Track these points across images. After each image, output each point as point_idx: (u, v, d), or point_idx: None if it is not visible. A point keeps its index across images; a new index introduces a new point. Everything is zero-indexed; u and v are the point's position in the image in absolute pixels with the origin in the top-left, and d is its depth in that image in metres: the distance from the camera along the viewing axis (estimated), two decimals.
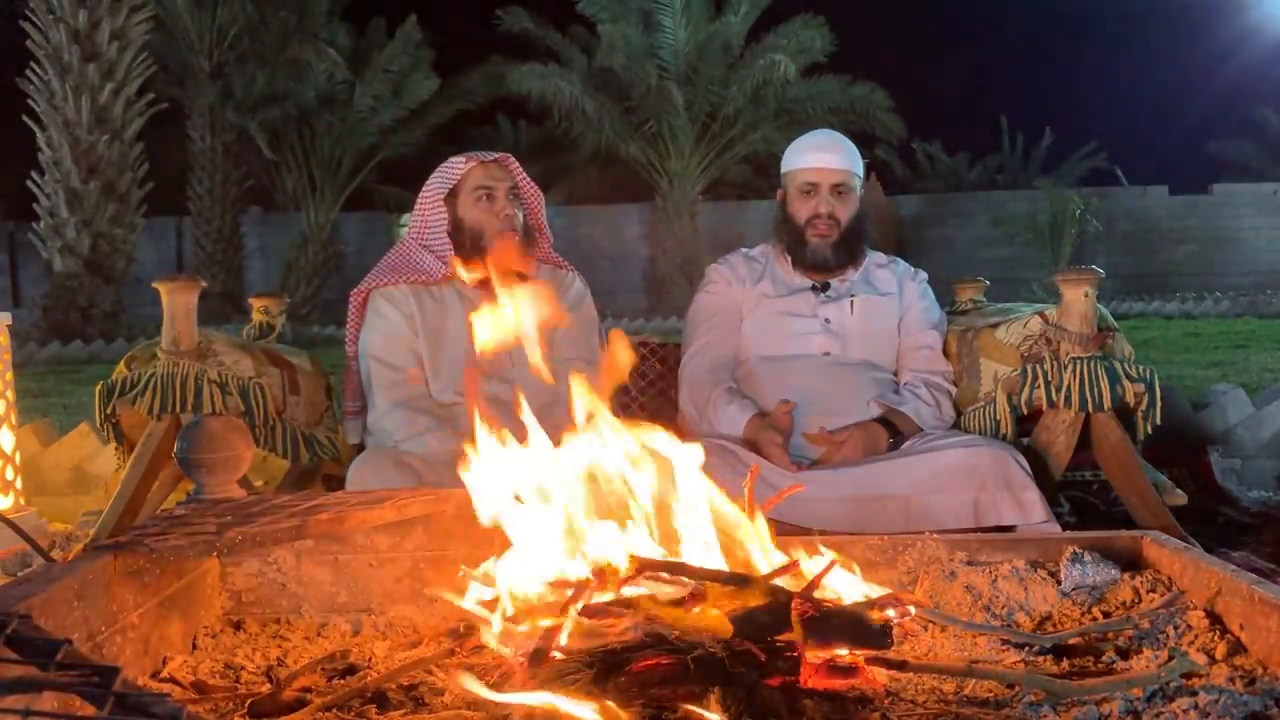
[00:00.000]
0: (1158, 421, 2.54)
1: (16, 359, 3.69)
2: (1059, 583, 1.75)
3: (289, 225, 16.80)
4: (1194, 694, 1.28)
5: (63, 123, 11.75)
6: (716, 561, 1.50)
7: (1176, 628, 1.56)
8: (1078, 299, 2.53)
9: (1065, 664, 1.52)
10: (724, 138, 16.36)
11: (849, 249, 2.77)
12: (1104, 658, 1.53)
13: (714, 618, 1.38)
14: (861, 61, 16.39)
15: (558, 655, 1.36)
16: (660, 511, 1.53)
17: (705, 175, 16.82)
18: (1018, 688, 1.39)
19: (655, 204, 17.18)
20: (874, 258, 2.87)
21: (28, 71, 11.74)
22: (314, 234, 16.33)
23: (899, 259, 2.93)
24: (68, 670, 0.98)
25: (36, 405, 5.88)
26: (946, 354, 2.79)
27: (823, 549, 1.61)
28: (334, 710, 1.39)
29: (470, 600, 1.56)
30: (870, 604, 1.47)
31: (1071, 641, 1.58)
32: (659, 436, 1.54)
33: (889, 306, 2.79)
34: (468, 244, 2.61)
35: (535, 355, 1.60)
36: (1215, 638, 1.52)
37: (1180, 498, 2.68)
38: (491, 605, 1.51)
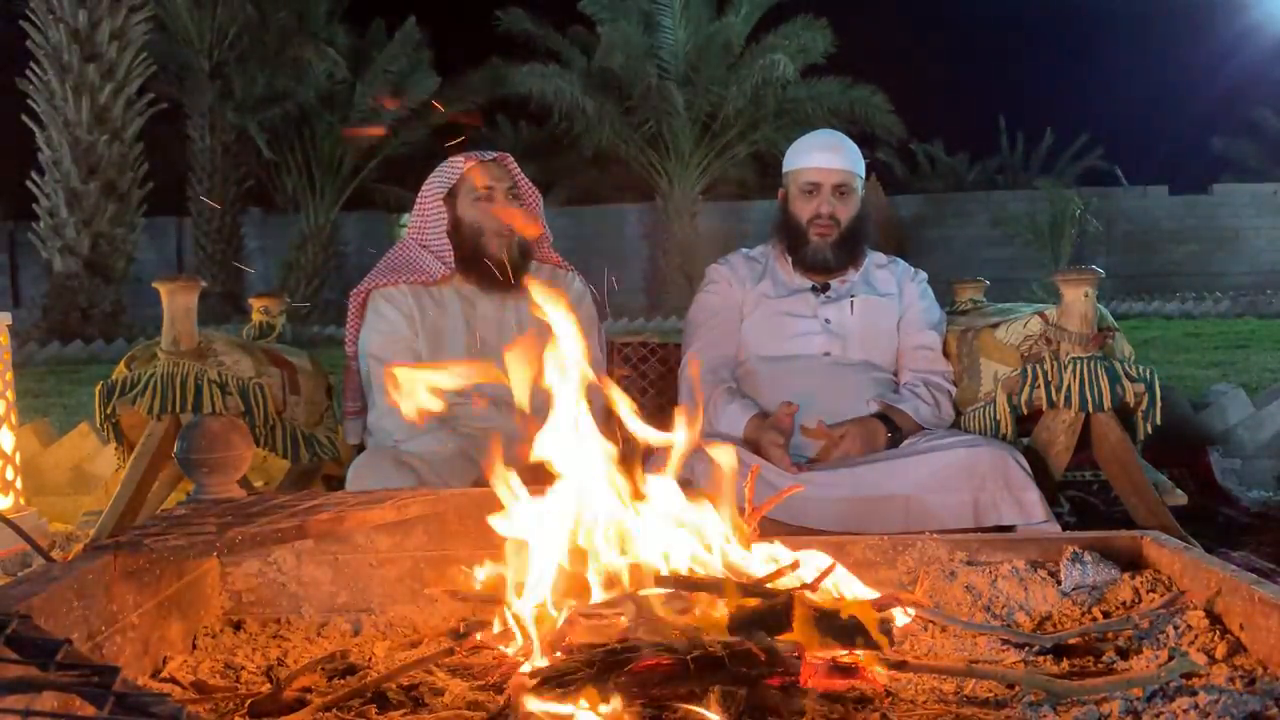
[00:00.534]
0: (1158, 421, 2.54)
1: (16, 359, 3.69)
2: (1059, 583, 1.75)
3: (289, 225, 16.81)
4: (1194, 694, 1.28)
5: (63, 123, 11.75)
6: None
7: (1176, 628, 1.56)
8: (1078, 299, 2.53)
9: (1065, 664, 1.52)
10: (724, 138, 16.37)
11: (850, 249, 2.77)
12: (1104, 658, 1.53)
13: (713, 618, 1.38)
14: (861, 62, 16.42)
15: (558, 655, 1.36)
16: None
17: (705, 175, 16.82)
18: (1018, 688, 1.39)
19: (655, 204, 17.19)
20: (874, 258, 2.87)
21: (28, 71, 11.75)
22: (314, 234, 16.33)
23: (899, 259, 2.93)
24: (68, 670, 0.98)
25: (36, 405, 5.88)
26: (946, 354, 2.79)
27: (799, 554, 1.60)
28: (334, 710, 1.39)
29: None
30: (870, 604, 1.47)
31: (1071, 641, 1.58)
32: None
33: (889, 307, 2.79)
34: (467, 244, 2.62)
35: (522, 396, 1.54)
36: (1215, 638, 1.52)
37: (1180, 498, 2.68)
38: (495, 606, 1.52)
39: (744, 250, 2.92)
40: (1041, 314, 2.65)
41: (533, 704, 1.25)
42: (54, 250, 12.01)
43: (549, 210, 2.83)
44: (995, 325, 2.75)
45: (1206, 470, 3.62)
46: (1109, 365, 2.53)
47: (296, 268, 16.13)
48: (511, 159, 2.69)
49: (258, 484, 3.14)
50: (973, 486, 2.34)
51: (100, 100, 11.75)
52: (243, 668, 1.61)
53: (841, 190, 2.73)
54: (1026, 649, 1.57)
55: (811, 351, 2.70)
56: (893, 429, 2.55)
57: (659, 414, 2.98)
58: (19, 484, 3.27)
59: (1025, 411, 2.57)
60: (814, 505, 2.30)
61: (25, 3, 11.78)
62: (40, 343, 11.09)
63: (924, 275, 2.88)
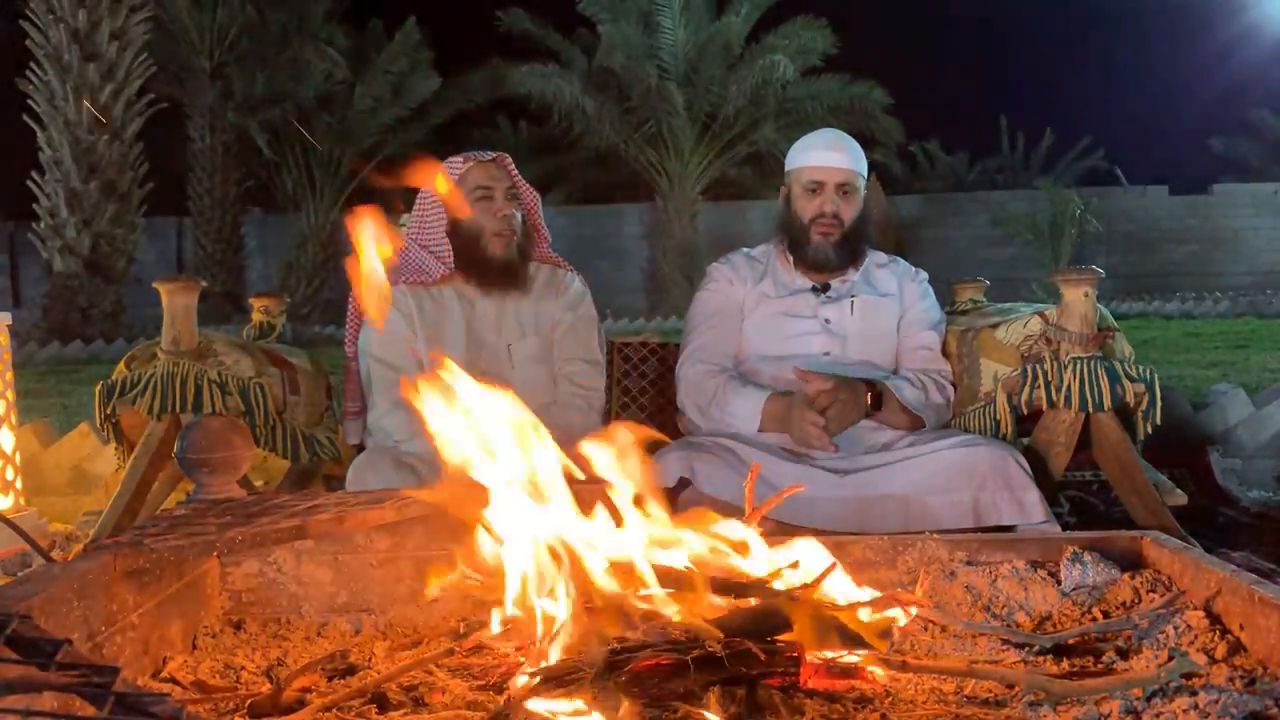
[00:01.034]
0: (1158, 421, 2.54)
1: (16, 359, 3.69)
2: (1059, 583, 1.75)
3: (289, 225, 16.80)
4: (1194, 694, 1.28)
5: (63, 123, 11.75)
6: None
7: (1176, 628, 1.56)
8: (1078, 299, 2.53)
9: (1065, 664, 1.52)
10: (724, 138, 16.37)
11: (851, 249, 2.77)
12: (1104, 658, 1.53)
13: (713, 618, 1.38)
14: (861, 61, 16.42)
15: (558, 655, 1.36)
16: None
17: (705, 175, 16.82)
18: (1018, 688, 1.39)
19: (655, 204, 17.19)
20: (874, 258, 2.86)
21: (28, 71, 11.75)
22: (314, 234, 16.32)
23: (899, 259, 2.92)
24: (68, 670, 0.98)
25: (36, 405, 5.87)
26: (946, 354, 2.79)
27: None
28: (334, 710, 1.39)
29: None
30: (870, 604, 1.47)
31: (1071, 641, 1.58)
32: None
33: (889, 307, 2.79)
34: (466, 244, 2.62)
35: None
36: (1215, 638, 1.52)
37: (1180, 498, 2.68)
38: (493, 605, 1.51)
39: (744, 250, 2.92)
40: (1041, 314, 2.65)
41: (533, 704, 1.25)
42: (54, 250, 12.01)
43: (549, 210, 2.83)
44: (995, 325, 2.75)
45: (1206, 470, 3.62)
46: (1109, 365, 2.53)
47: (296, 267, 16.12)
48: (509, 159, 2.69)
49: (258, 484, 3.14)
50: (973, 486, 2.34)
51: (100, 100, 11.74)
52: (243, 668, 1.61)
53: (845, 189, 2.72)
54: (1026, 649, 1.57)
55: (811, 351, 2.70)
56: (872, 390, 2.55)
57: (659, 414, 3.01)
58: (19, 484, 3.27)
59: (1025, 411, 2.57)
60: (814, 505, 2.30)
61: (25, 3, 11.78)
62: (40, 343, 11.09)
63: (924, 275, 2.88)
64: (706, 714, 1.26)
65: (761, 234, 2.95)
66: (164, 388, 2.60)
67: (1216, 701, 1.24)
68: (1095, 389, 2.49)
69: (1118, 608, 1.71)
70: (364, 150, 16.48)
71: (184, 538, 1.59)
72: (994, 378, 2.66)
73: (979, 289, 3.24)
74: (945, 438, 2.49)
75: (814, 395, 2.48)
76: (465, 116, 17.70)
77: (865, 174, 2.79)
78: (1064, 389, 2.50)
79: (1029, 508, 2.32)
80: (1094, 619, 1.69)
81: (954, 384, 2.75)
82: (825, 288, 2.77)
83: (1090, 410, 2.51)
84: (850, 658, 1.40)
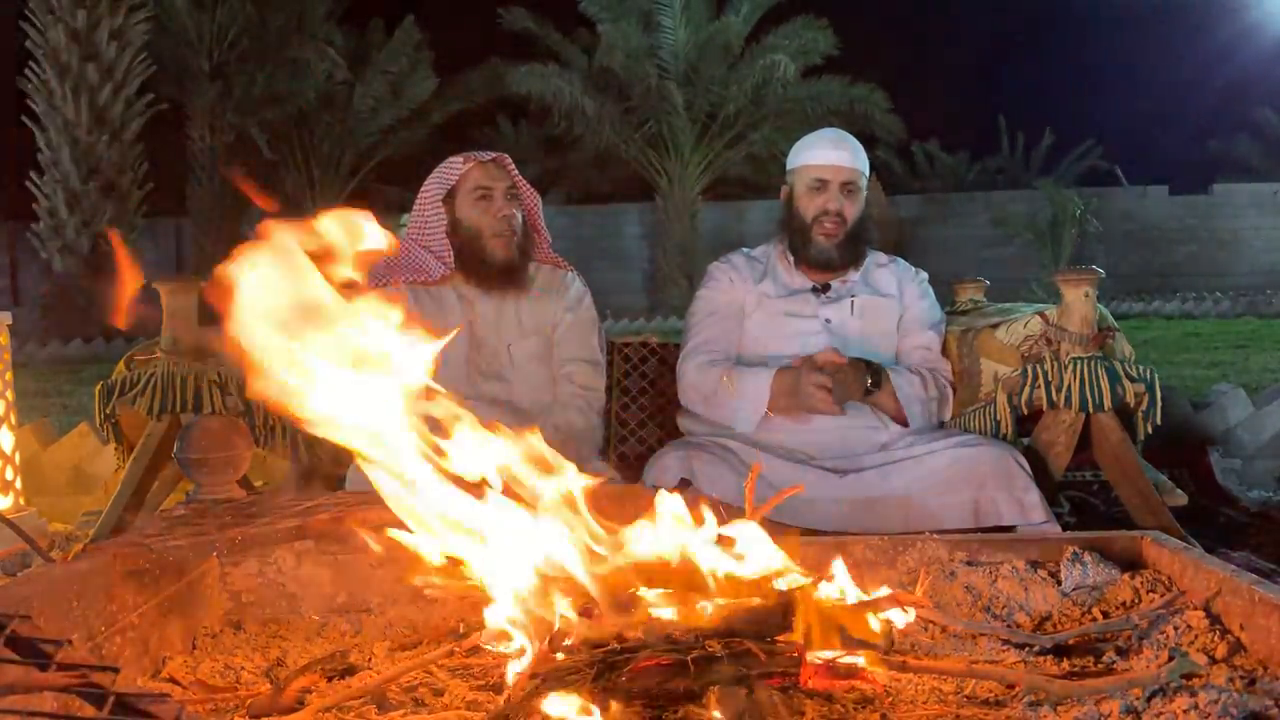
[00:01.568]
0: (1158, 421, 2.54)
1: (16, 359, 3.69)
2: (1059, 583, 1.75)
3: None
4: (1194, 694, 1.28)
5: (62, 123, 11.75)
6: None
7: (1176, 628, 1.56)
8: (1078, 299, 2.54)
9: (1065, 664, 1.52)
10: (724, 138, 16.37)
11: (853, 248, 2.77)
12: (1104, 658, 1.53)
13: (713, 617, 1.38)
14: (861, 62, 16.42)
15: (559, 655, 1.36)
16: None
17: (705, 175, 16.82)
18: (1018, 688, 1.39)
19: (655, 204, 17.18)
20: (875, 257, 2.86)
21: (27, 71, 11.75)
22: None
23: (899, 259, 2.92)
24: (67, 671, 0.98)
25: (36, 405, 5.87)
26: (946, 354, 2.79)
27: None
28: (334, 711, 1.39)
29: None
30: (870, 604, 1.47)
31: (1071, 642, 1.58)
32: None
33: (889, 307, 2.79)
34: (466, 245, 2.61)
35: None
36: (1215, 638, 1.52)
37: (1180, 498, 2.68)
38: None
39: (744, 250, 2.92)
40: (1041, 314, 2.65)
41: (533, 704, 1.25)
42: (54, 250, 12.02)
43: (549, 210, 2.83)
44: (995, 325, 2.75)
45: (1206, 470, 3.62)
46: (1109, 365, 2.53)
47: None
48: (509, 159, 2.69)
49: (258, 484, 3.14)
50: (973, 487, 2.34)
51: (100, 100, 11.74)
52: (242, 668, 1.61)
53: (849, 188, 2.73)
54: (1026, 649, 1.57)
55: (812, 351, 2.70)
56: (871, 371, 2.58)
57: (659, 414, 3.01)
58: (19, 484, 3.27)
59: (1025, 411, 2.57)
60: (815, 506, 2.30)
61: (25, 3, 11.78)
62: (40, 342, 11.09)
63: (924, 275, 2.88)
64: (707, 714, 1.26)
65: (761, 234, 2.94)
66: (164, 387, 2.60)
67: (1216, 702, 1.24)
68: (1095, 389, 2.49)
69: (1118, 608, 1.71)
70: (364, 150, 16.48)
71: (184, 538, 1.59)
72: (994, 378, 2.66)
73: (979, 289, 3.24)
74: (945, 438, 2.50)
75: (823, 362, 2.52)
76: (465, 116, 17.71)
77: (868, 173, 2.79)
78: (1064, 389, 2.50)
79: (1029, 508, 2.32)
80: (1094, 619, 1.69)
81: (954, 384, 2.75)
82: (825, 288, 2.77)
83: (1090, 410, 2.51)
84: (850, 658, 1.40)
